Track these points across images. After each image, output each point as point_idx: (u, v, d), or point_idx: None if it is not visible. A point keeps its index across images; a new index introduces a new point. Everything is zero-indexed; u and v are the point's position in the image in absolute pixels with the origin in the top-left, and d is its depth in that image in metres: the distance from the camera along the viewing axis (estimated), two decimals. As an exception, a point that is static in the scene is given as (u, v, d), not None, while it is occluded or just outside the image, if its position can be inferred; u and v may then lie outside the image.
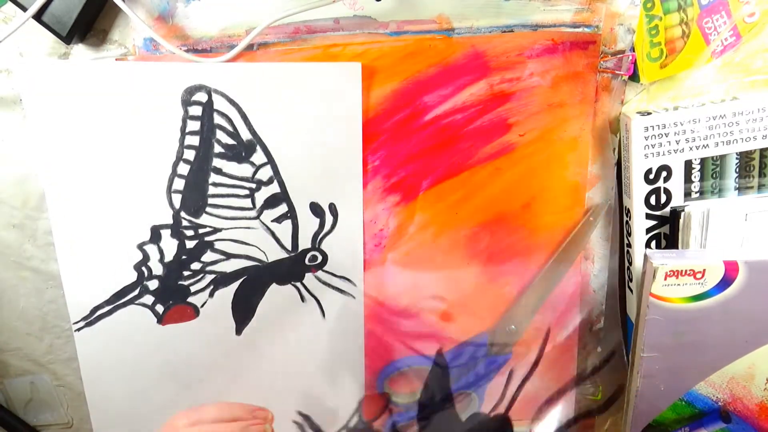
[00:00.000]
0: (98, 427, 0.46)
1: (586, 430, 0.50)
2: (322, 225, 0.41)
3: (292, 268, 0.42)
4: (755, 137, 0.38)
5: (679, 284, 0.37)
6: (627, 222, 0.41)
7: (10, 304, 0.47)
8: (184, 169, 0.38)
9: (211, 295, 0.41)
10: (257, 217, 0.40)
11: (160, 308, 0.41)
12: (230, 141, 0.38)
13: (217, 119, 0.37)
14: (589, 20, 0.37)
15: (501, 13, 0.37)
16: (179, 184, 0.38)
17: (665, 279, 0.37)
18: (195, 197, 0.39)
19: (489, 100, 0.39)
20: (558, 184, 0.41)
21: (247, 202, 0.39)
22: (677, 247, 0.40)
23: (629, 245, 0.41)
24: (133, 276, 0.40)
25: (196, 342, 0.43)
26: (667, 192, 0.39)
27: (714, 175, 0.39)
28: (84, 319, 0.42)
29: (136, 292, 0.41)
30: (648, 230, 0.40)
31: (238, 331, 0.43)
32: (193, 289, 0.41)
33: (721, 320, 0.38)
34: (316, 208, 0.40)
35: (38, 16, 0.37)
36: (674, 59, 0.38)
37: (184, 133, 0.37)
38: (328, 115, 0.38)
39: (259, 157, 0.38)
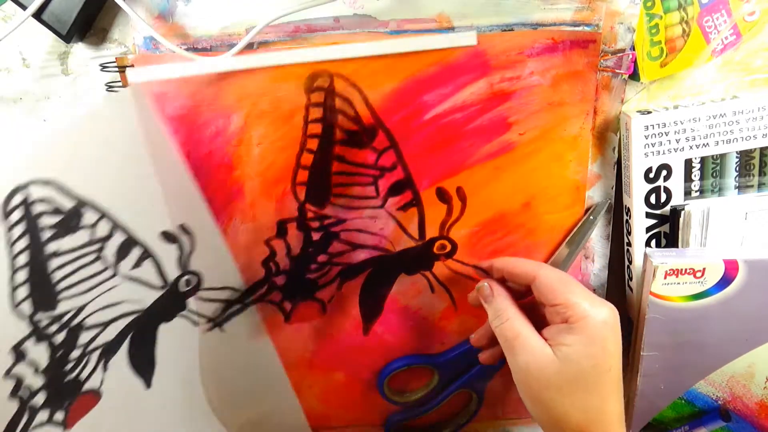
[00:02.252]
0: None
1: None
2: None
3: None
4: (755, 136, 0.38)
5: (678, 283, 0.37)
6: (627, 221, 0.41)
7: (10, 302, 0.47)
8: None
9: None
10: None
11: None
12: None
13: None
14: (590, 19, 0.37)
15: (501, 11, 0.37)
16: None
17: (665, 278, 0.37)
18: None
19: (489, 99, 0.39)
20: (558, 183, 0.41)
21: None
22: (677, 246, 0.40)
23: (629, 244, 0.41)
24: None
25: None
26: (667, 191, 0.39)
27: (714, 174, 0.39)
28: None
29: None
30: (648, 229, 0.40)
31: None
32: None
33: (720, 319, 0.38)
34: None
35: (38, 15, 0.37)
36: (674, 58, 0.37)
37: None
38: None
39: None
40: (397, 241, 0.39)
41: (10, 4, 0.37)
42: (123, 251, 0.37)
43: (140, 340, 0.40)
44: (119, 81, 0.39)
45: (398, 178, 0.37)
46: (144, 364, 0.40)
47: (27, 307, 0.37)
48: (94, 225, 0.36)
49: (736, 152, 0.39)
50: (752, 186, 0.40)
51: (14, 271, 0.36)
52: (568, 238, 0.42)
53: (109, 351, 0.39)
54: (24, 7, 0.36)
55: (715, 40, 0.37)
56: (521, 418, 0.49)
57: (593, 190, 0.42)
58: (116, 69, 0.39)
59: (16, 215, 0.35)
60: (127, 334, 0.39)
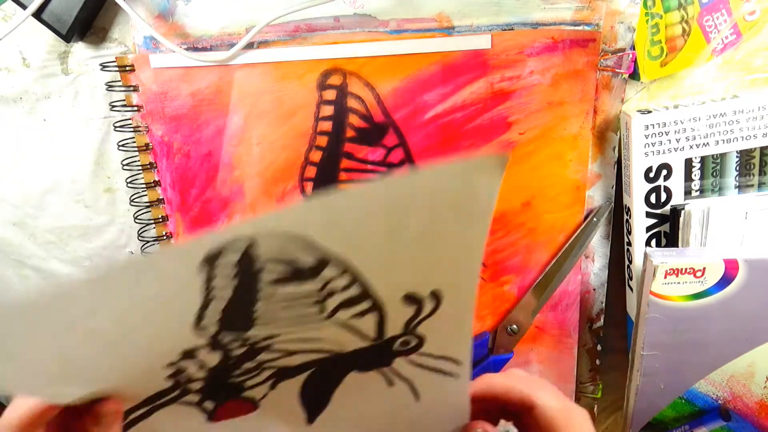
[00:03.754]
0: None
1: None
2: (418, 311, 0.29)
3: (378, 355, 0.31)
4: (755, 135, 0.38)
5: (679, 283, 0.37)
6: (627, 220, 0.41)
7: (10, 302, 0.47)
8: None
9: (273, 387, 0.33)
10: (330, 318, 0.29)
11: (209, 405, 0.32)
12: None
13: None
14: (590, 18, 0.37)
15: (501, 11, 0.37)
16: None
17: (665, 277, 0.37)
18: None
19: (489, 99, 0.39)
20: (558, 183, 0.41)
21: (315, 309, 0.29)
22: (677, 246, 0.40)
23: (629, 243, 0.41)
24: (168, 384, 0.30)
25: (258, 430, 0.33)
26: (668, 190, 0.39)
27: (714, 174, 0.39)
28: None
29: (177, 392, 0.30)
30: (648, 228, 0.40)
31: (310, 420, 0.34)
32: (248, 383, 0.31)
33: (721, 318, 0.38)
34: (412, 299, 0.29)
35: (38, 15, 0.37)
36: (674, 57, 0.37)
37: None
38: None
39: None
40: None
41: (10, 3, 0.37)
42: (349, 303, 0.28)
43: (323, 378, 0.33)
44: (119, 80, 0.39)
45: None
46: (315, 401, 0.33)
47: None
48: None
49: (737, 152, 0.39)
50: (752, 185, 0.40)
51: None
52: (571, 240, 0.42)
53: (284, 375, 0.32)
54: (24, 7, 0.36)
55: (716, 40, 0.37)
56: (521, 418, 0.49)
57: (593, 190, 0.41)
58: (116, 68, 0.39)
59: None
60: (310, 368, 0.32)
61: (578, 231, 0.42)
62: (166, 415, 0.31)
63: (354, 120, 0.36)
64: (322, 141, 0.36)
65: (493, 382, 0.32)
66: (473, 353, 0.45)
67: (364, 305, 0.28)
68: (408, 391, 0.33)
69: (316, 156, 0.36)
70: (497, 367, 0.46)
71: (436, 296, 0.28)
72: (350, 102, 0.36)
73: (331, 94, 0.36)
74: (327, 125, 0.36)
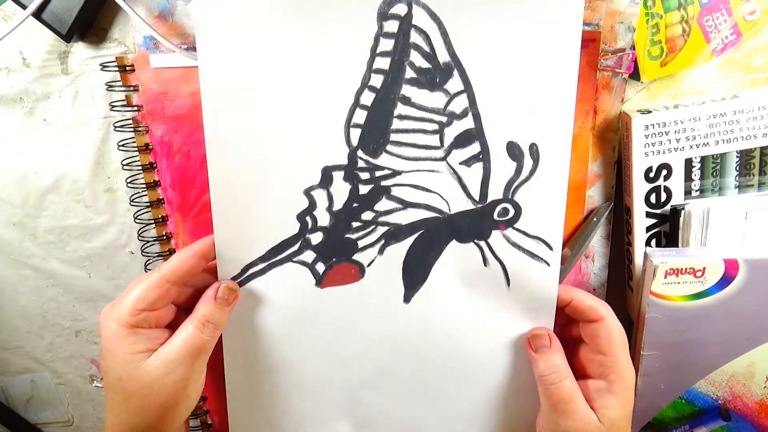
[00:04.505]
0: (233, 408, 0.39)
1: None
2: (519, 171, 0.34)
3: (478, 223, 0.35)
4: (755, 135, 0.38)
5: (679, 282, 0.37)
6: (627, 220, 0.41)
7: (10, 302, 0.47)
8: (368, 98, 0.33)
9: (381, 251, 0.36)
10: (444, 158, 0.34)
11: (320, 267, 0.36)
12: (425, 64, 0.32)
13: (414, 37, 0.32)
14: (590, 18, 0.37)
15: (501, 11, 0.37)
16: (360, 116, 0.33)
17: (665, 277, 0.37)
18: (377, 132, 0.33)
19: (489, 98, 0.39)
20: (558, 183, 0.41)
21: (435, 140, 0.33)
22: (677, 246, 0.40)
23: (629, 243, 0.41)
24: (295, 227, 0.35)
25: (356, 310, 0.37)
26: (668, 190, 0.39)
27: (714, 174, 0.39)
28: (233, 279, 0.36)
29: (296, 246, 0.35)
30: (648, 228, 0.40)
31: (407, 298, 0.37)
32: (361, 243, 0.35)
33: (721, 318, 0.38)
34: (513, 149, 0.34)
35: (38, 15, 0.37)
36: (675, 57, 0.37)
37: (374, 53, 0.32)
38: (541, 37, 0.32)
39: (455, 83, 0.33)
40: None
41: (10, 3, 0.37)
42: (463, 140, 0.33)
43: (425, 246, 0.35)
44: (119, 80, 0.39)
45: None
46: (414, 273, 0.36)
47: (355, 137, 0.33)
48: (453, 96, 0.33)
49: (737, 152, 0.39)
50: (752, 185, 0.40)
51: (364, 87, 0.32)
52: (572, 240, 0.42)
53: (393, 236, 0.35)
54: (24, 7, 0.36)
55: (716, 40, 0.37)
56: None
57: (593, 190, 0.41)
58: (116, 68, 0.39)
59: (391, 26, 0.31)
60: (417, 230, 0.35)
61: (578, 231, 0.42)
62: (280, 275, 0.36)
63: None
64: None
65: (577, 291, 0.36)
66: None
67: (474, 148, 0.33)
68: (501, 275, 0.36)
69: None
70: None
71: (534, 153, 0.34)
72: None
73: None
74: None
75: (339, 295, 0.36)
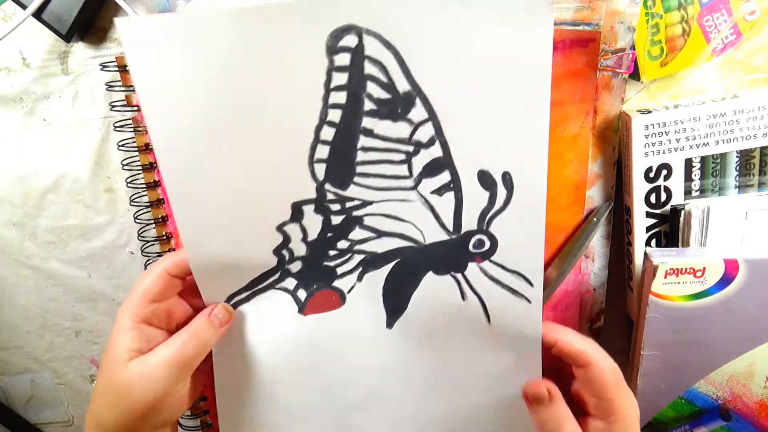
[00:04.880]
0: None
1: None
2: (492, 200, 0.33)
3: (453, 255, 0.34)
4: (755, 135, 0.38)
5: (679, 282, 0.37)
6: (627, 220, 0.41)
7: (10, 302, 0.48)
8: (328, 133, 0.31)
9: (360, 278, 0.35)
10: (414, 188, 0.33)
11: (302, 294, 0.35)
12: (384, 95, 0.31)
13: (369, 68, 0.30)
14: (590, 18, 0.37)
15: (501, 11, 0.37)
16: (323, 151, 0.32)
17: (665, 277, 0.37)
18: (342, 166, 0.32)
19: (489, 99, 0.39)
20: (558, 182, 0.41)
21: (403, 170, 0.32)
22: (677, 246, 0.40)
23: (629, 243, 0.41)
24: (273, 261, 0.34)
25: (340, 336, 0.36)
26: (668, 190, 0.39)
27: (714, 174, 0.39)
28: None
29: (277, 275, 0.35)
30: (648, 228, 0.40)
31: (389, 324, 0.36)
32: (339, 271, 0.35)
33: (721, 318, 0.38)
34: (485, 178, 0.32)
35: (38, 14, 0.37)
36: (675, 57, 0.37)
37: (328, 89, 0.30)
38: (508, 64, 0.30)
39: (418, 112, 0.31)
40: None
41: (10, 3, 0.37)
42: (432, 169, 0.32)
43: (403, 274, 0.35)
44: (119, 80, 0.39)
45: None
46: (395, 300, 0.36)
47: (321, 172, 0.32)
48: (417, 125, 0.31)
49: (737, 152, 0.39)
50: (752, 185, 0.40)
51: (322, 122, 0.31)
52: (572, 240, 0.42)
53: (371, 264, 0.35)
54: (24, 7, 0.36)
55: (716, 40, 0.37)
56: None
57: (593, 190, 0.41)
58: (116, 68, 0.39)
59: (342, 59, 0.30)
60: (393, 259, 0.35)
61: (578, 231, 0.42)
62: (264, 301, 0.35)
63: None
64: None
65: (563, 332, 0.35)
66: None
67: (444, 177, 0.32)
68: (480, 310, 0.35)
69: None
70: None
71: (508, 183, 0.32)
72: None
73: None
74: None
75: (322, 322, 0.36)
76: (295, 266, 0.35)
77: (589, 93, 0.38)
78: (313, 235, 0.34)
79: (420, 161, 0.32)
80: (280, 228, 0.33)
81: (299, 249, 0.34)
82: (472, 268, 0.34)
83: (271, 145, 0.31)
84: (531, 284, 0.34)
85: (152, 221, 0.43)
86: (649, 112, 0.38)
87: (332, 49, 0.29)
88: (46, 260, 0.45)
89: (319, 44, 0.29)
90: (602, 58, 0.38)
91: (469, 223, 0.33)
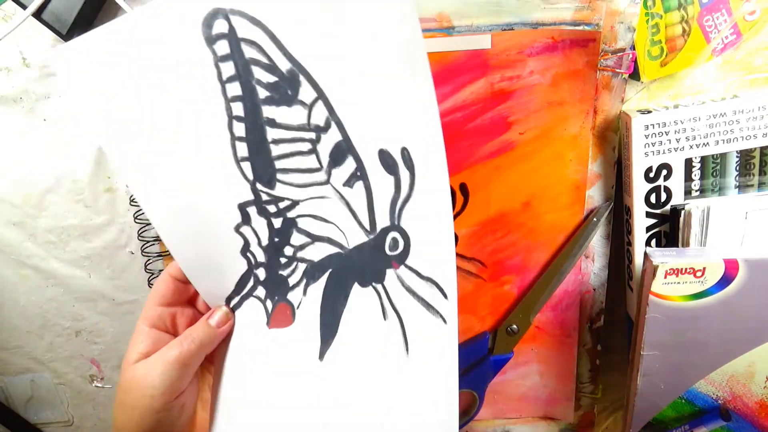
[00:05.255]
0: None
1: (587, 428, 0.50)
2: (398, 186, 0.31)
3: (373, 260, 0.32)
4: (755, 135, 0.38)
5: (679, 282, 0.37)
6: (627, 220, 0.41)
7: (10, 302, 0.47)
8: (240, 129, 0.30)
9: (305, 292, 0.33)
10: (327, 181, 0.31)
11: (269, 305, 0.34)
12: (270, 78, 0.29)
13: (248, 52, 0.29)
14: (590, 18, 0.37)
15: (501, 11, 0.37)
16: (242, 149, 0.31)
17: (665, 277, 0.37)
18: (262, 162, 0.31)
19: (489, 99, 0.39)
20: (558, 183, 0.41)
21: (313, 161, 0.31)
22: (677, 246, 0.40)
23: (629, 243, 0.41)
24: (243, 264, 0.33)
25: (285, 360, 0.34)
26: (668, 190, 0.39)
27: (714, 174, 0.39)
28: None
29: (251, 282, 0.33)
30: (648, 228, 0.40)
31: (321, 354, 0.34)
32: (290, 281, 0.33)
33: (721, 318, 0.38)
34: (386, 159, 0.31)
35: (38, 14, 0.37)
36: (675, 57, 0.37)
37: (222, 82, 0.29)
38: (376, 27, 0.29)
39: (306, 92, 0.30)
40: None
41: (10, 3, 0.37)
42: (337, 156, 0.30)
43: (334, 290, 0.33)
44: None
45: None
46: (328, 326, 0.33)
47: (248, 170, 0.31)
48: (310, 105, 0.30)
49: (737, 151, 0.39)
50: (752, 185, 0.40)
51: (230, 118, 0.30)
52: (572, 240, 0.42)
53: (311, 275, 0.33)
54: (24, 7, 0.36)
55: (716, 40, 0.37)
56: (521, 417, 0.49)
57: (593, 190, 0.41)
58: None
59: (223, 47, 0.29)
60: (326, 269, 0.32)
61: (578, 231, 0.42)
62: (248, 308, 0.34)
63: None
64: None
65: None
66: (473, 354, 0.45)
67: (350, 164, 0.31)
68: (399, 335, 0.33)
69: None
70: (497, 366, 0.46)
71: (408, 161, 0.31)
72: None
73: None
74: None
75: (280, 339, 0.34)
76: (261, 273, 0.33)
77: (589, 93, 0.38)
78: (264, 239, 0.33)
79: (324, 148, 0.31)
80: (237, 230, 0.32)
81: (259, 254, 0.33)
82: (390, 277, 0.32)
83: (200, 149, 0.30)
84: (445, 295, 0.32)
85: (152, 221, 0.43)
86: (649, 112, 0.38)
87: (210, 39, 0.28)
88: (46, 260, 0.45)
89: (198, 37, 0.28)
90: (602, 58, 0.38)
91: (382, 217, 0.32)
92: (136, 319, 0.45)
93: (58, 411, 0.52)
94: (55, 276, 0.46)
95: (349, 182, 0.31)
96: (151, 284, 0.45)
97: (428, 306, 0.33)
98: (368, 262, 0.32)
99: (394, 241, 0.32)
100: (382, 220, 0.32)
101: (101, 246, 0.45)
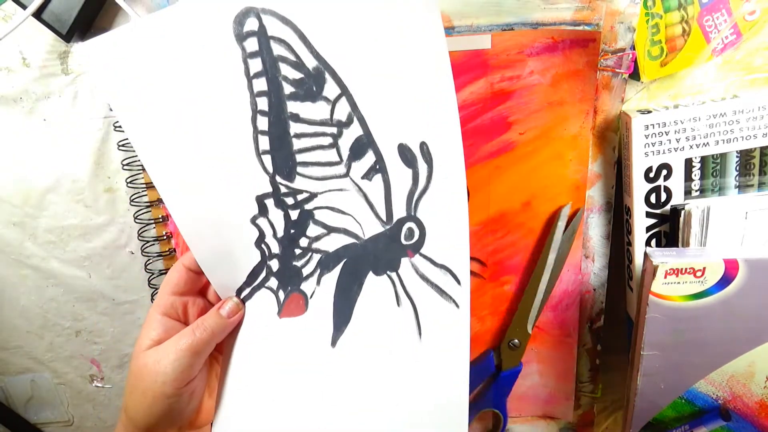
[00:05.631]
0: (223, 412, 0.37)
1: (587, 428, 0.50)
2: (416, 179, 0.32)
3: (388, 249, 0.33)
4: (755, 135, 0.38)
5: (679, 282, 0.37)
6: (627, 220, 0.41)
7: (10, 302, 0.48)
8: (263, 123, 0.32)
9: (318, 282, 0.35)
10: (347, 174, 0.33)
11: (281, 295, 0.35)
12: (297, 74, 0.31)
13: (276, 49, 0.30)
14: (590, 18, 0.37)
15: (501, 11, 0.37)
16: (264, 142, 0.32)
17: (665, 277, 0.37)
18: (283, 156, 0.32)
19: (489, 99, 0.39)
20: (558, 183, 0.41)
21: (333, 155, 0.32)
22: (677, 246, 0.40)
23: (629, 243, 0.41)
24: (257, 255, 0.34)
25: (299, 348, 0.35)
26: (668, 190, 0.39)
27: (714, 174, 0.39)
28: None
29: (264, 272, 0.35)
30: (648, 228, 0.40)
31: (333, 341, 0.35)
32: (304, 272, 0.35)
33: (721, 318, 0.38)
34: (405, 153, 0.32)
35: (38, 15, 0.37)
36: (675, 57, 0.37)
37: (249, 77, 0.31)
38: (401, 25, 0.30)
39: (331, 88, 0.31)
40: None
41: (10, 3, 0.37)
42: (357, 150, 0.32)
43: (348, 279, 0.34)
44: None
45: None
46: (342, 314, 0.35)
47: (269, 163, 0.32)
48: (334, 101, 0.31)
49: (737, 151, 0.39)
50: (752, 185, 0.40)
51: (255, 113, 0.31)
52: (544, 246, 0.42)
53: (325, 266, 0.34)
54: (24, 7, 0.36)
55: (716, 40, 0.37)
56: (521, 416, 0.49)
57: (593, 190, 0.41)
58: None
59: (252, 44, 0.30)
60: (341, 259, 0.34)
61: (547, 240, 0.42)
62: (260, 299, 0.35)
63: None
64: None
65: None
66: (482, 373, 0.45)
67: (369, 157, 0.32)
68: (413, 320, 0.34)
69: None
70: (510, 381, 0.46)
71: (426, 155, 0.32)
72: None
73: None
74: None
75: (291, 328, 0.35)
76: (274, 264, 0.35)
77: (589, 93, 0.38)
78: (280, 231, 0.34)
79: (345, 143, 0.32)
80: (253, 221, 0.34)
81: (274, 246, 0.34)
82: (405, 266, 0.34)
83: (222, 141, 0.32)
84: (458, 282, 0.33)
85: (152, 221, 0.43)
86: (649, 112, 0.38)
87: (240, 36, 0.30)
88: (46, 260, 0.45)
89: (229, 33, 0.30)
90: (602, 58, 0.38)
91: (399, 209, 0.33)
92: (136, 319, 0.46)
93: (58, 411, 0.52)
94: (55, 276, 0.46)
95: (367, 175, 0.32)
96: (152, 284, 0.45)
97: (441, 292, 0.34)
98: (383, 252, 0.34)
99: (410, 230, 0.33)
100: (399, 211, 0.33)
101: (101, 246, 0.45)
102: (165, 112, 0.31)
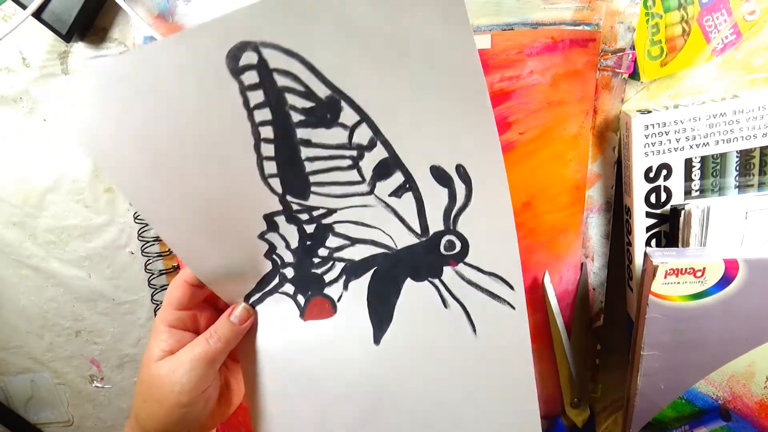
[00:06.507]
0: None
1: (587, 428, 0.50)
2: (452, 197, 0.31)
3: (427, 259, 0.33)
4: (755, 135, 0.38)
5: (679, 282, 0.37)
6: (627, 220, 0.41)
7: (10, 302, 0.48)
8: (268, 149, 0.31)
9: (345, 287, 0.34)
10: (371, 192, 0.32)
11: (301, 300, 0.35)
12: (306, 103, 0.30)
13: (281, 81, 0.29)
14: (590, 18, 0.37)
15: (501, 11, 0.37)
16: (271, 167, 0.31)
17: (665, 277, 0.37)
18: (294, 178, 0.31)
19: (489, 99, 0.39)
20: (558, 183, 0.41)
21: (354, 175, 0.31)
22: (677, 246, 0.40)
23: (629, 244, 0.41)
24: (268, 265, 0.34)
25: (335, 347, 0.35)
26: (667, 190, 0.39)
27: (714, 174, 0.39)
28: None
29: (277, 280, 0.35)
30: (648, 228, 0.40)
31: (377, 339, 0.35)
32: (327, 278, 0.34)
33: (721, 318, 0.38)
34: (439, 174, 0.31)
35: (38, 15, 0.37)
36: (674, 57, 0.37)
37: (249, 108, 0.29)
38: (428, 43, 0.28)
39: (348, 115, 0.30)
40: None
41: (10, 3, 0.37)
42: (382, 171, 0.31)
43: (382, 284, 0.34)
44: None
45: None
46: (380, 312, 0.34)
47: (277, 185, 0.32)
48: (352, 127, 0.30)
49: (737, 151, 0.39)
50: (752, 185, 0.40)
51: (258, 141, 0.30)
52: (574, 309, 0.43)
53: (352, 272, 0.34)
54: (24, 7, 0.36)
55: (716, 40, 0.37)
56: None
57: (593, 190, 0.42)
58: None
59: (251, 77, 0.29)
60: (370, 267, 0.34)
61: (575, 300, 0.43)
62: (274, 303, 0.35)
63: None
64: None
65: None
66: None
67: (397, 177, 0.31)
68: (464, 319, 0.33)
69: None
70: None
71: (464, 176, 0.31)
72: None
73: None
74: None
75: (320, 329, 0.35)
76: (289, 272, 0.35)
77: (589, 93, 0.38)
78: (294, 243, 0.33)
79: (368, 164, 0.31)
80: (262, 237, 0.33)
81: (287, 256, 0.34)
82: (448, 273, 0.33)
83: (223, 169, 0.31)
84: (511, 287, 0.33)
85: (152, 221, 0.43)
86: (649, 112, 0.38)
87: (235, 70, 0.29)
88: (46, 260, 0.45)
89: (222, 68, 0.28)
90: (602, 58, 0.38)
91: (435, 223, 0.32)
92: (136, 319, 0.46)
93: (58, 411, 0.52)
94: (55, 276, 0.46)
95: (396, 193, 0.32)
96: (152, 284, 0.45)
97: (493, 295, 0.33)
98: (422, 260, 0.33)
99: (450, 242, 0.32)
100: (435, 225, 0.32)
101: (101, 246, 0.45)
102: (152, 148, 0.30)
